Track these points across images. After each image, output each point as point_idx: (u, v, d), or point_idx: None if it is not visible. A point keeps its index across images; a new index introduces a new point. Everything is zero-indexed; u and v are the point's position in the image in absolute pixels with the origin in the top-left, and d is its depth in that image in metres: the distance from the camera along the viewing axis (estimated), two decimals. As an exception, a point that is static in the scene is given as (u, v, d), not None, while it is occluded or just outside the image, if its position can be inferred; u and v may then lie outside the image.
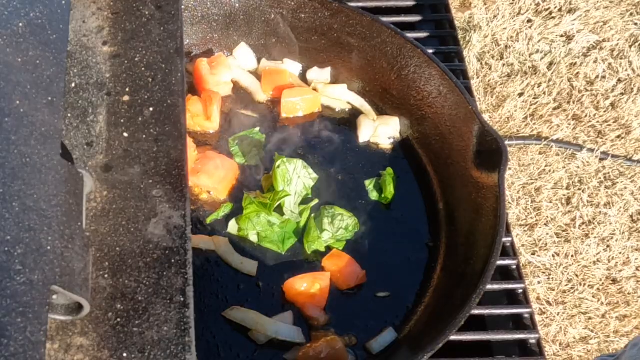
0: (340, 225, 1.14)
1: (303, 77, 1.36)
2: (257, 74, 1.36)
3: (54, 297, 0.56)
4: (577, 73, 2.41)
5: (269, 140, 1.27)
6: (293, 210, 1.16)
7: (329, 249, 1.15)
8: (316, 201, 1.19)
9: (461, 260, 1.11)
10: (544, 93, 2.36)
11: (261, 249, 1.15)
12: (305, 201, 1.19)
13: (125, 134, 0.70)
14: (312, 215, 1.17)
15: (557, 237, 2.08)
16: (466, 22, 2.56)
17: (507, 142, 2.19)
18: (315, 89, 1.34)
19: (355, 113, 1.33)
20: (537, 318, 1.82)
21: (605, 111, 2.34)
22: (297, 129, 1.30)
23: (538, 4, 2.59)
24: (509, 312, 1.11)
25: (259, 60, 1.36)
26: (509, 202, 2.12)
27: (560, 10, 2.58)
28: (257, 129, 1.28)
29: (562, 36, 2.51)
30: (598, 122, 2.31)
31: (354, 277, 1.12)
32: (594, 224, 2.10)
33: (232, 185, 1.21)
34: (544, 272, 2.02)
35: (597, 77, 2.41)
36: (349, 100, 1.33)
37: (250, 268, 1.12)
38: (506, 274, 1.16)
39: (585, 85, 2.39)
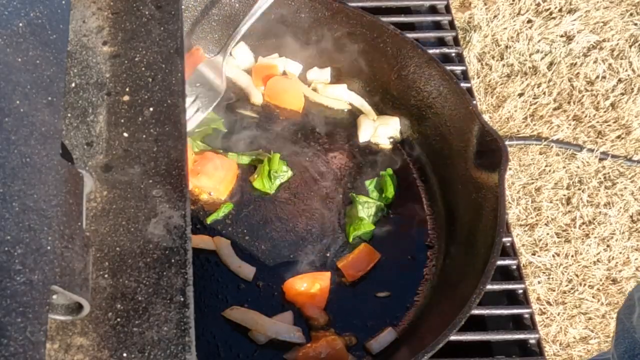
0: (370, 212, 1.19)
1: (303, 77, 1.36)
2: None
3: (54, 297, 0.56)
4: (577, 73, 2.41)
5: (268, 140, 1.27)
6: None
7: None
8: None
9: (461, 260, 1.11)
10: (544, 93, 2.36)
11: (263, 251, 1.15)
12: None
13: (125, 134, 0.70)
14: (348, 207, 1.20)
15: (557, 237, 2.08)
16: (466, 22, 2.56)
17: (507, 142, 2.18)
18: (315, 89, 1.34)
19: (355, 113, 1.33)
20: (537, 318, 1.82)
21: (605, 111, 2.34)
22: (296, 129, 1.30)
23: (538, 4, 2.59)
24: (509, 312, 1.11)
25: (257, 60, 1.36)
26: (509, 202, 2.12)
27: (560, 10, 2.59)
28: (256, 129, 1.28)
29: (562, 36, 2.52)
30: (598, 122, 2.31)
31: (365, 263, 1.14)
32: (594, 224, 2.10)
33: (232, 186, 1.21)
34: (544, 272, 2.03)
35: (597, 77, 2.41)
36: (349, 100, 1.33)
37: (247, 273, 1.12)
38: (506, 274, 1.16)
39: (585, 86, 2.39)
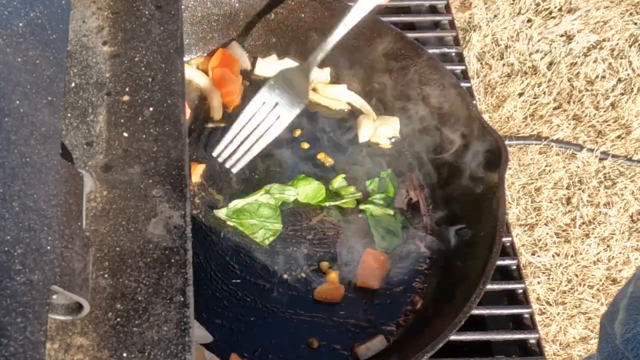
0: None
1: (303, 77, 1.35)
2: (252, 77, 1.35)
3: (54, 297, 0.56)
4: (577, 73, 2.41)
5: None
6: None
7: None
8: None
9: (461, 260, 1.11)
10: (544, 93, 2.36)
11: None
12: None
13: (125, 134, 0.70)
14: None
15: (557, 237, 2.08)
16: (466, 22, 2.56)
17: (507, 142, 2.18)
18: (315, 89, 1.33)
19: (355, 113, 1.33)
20: (537, 318, 1.82)
21: (605, 111, 2.34)
22: (297, 127, 1.30)
23: (538, 4, 2.59)
24: (509, 312, 1.11)
25: (255, 60, 1.35)
26: (509, 202, 2.12)
27: (560, 10, 2.58)
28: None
29: (562, 36, 2.52)
30: (598, 122, 2.31)
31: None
32: (594, 224, 2.10)
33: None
34: (544, 272, 2.02)
35: (597, 77, 2.41)
36: (349, 100, 1.33)
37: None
38: (506, 274, 1.16)
39: (585, 85, 2.39)
